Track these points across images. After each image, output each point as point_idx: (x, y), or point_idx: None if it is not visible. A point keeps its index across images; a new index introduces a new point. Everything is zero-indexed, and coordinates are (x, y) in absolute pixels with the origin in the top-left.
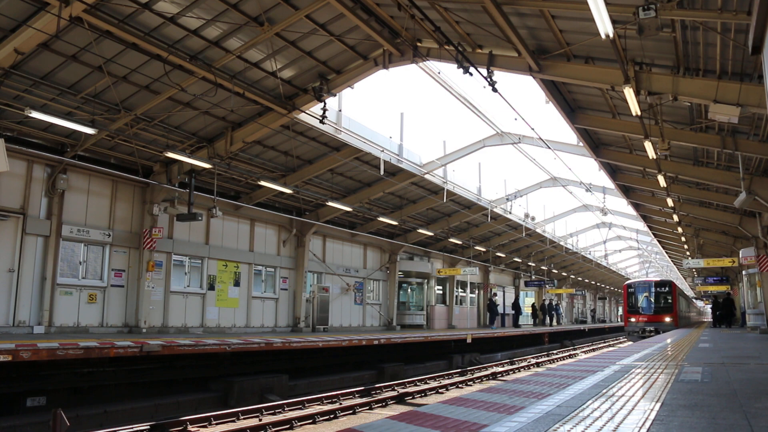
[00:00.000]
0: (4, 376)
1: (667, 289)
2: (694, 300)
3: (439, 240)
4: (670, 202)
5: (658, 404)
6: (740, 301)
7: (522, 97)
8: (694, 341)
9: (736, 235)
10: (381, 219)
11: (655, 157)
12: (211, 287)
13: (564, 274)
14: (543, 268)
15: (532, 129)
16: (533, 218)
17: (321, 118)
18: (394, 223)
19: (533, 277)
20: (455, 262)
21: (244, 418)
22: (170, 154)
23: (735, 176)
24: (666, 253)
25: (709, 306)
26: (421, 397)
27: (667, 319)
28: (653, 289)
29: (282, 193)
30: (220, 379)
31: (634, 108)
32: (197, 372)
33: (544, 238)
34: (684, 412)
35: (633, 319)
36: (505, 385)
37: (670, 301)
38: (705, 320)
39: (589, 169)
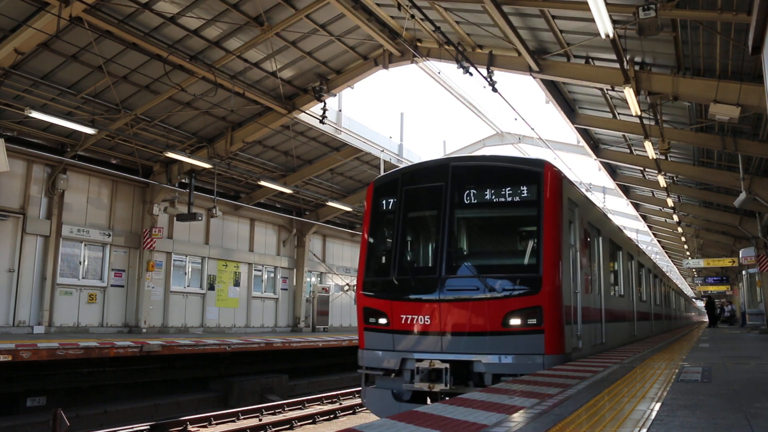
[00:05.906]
0: (4, 376)
1: (519, 188)
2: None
3: None
4: (670, 202)
5: (658, 404)
6: (739, 301)
7: (522, 97)
8: (693, 342)
9: (736, 235)
10: None
11: (655, 157)
12: (211, 287)
13: None
14: None
15: (532, 129)
16: None
17: (321, 118)
18: None
19: None
20: None
21: (244, 418)
22: (170, 154)
23: (735, 176)
24: (666, 253)
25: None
26: None
27: (514, 322)
28: (466, 193)
29: (282, 193)
30: (220, 379)
31: (634, 108)
32: (197, 372)
33: None
34: (684, 412)
35: (381, 320)
36: (504, 385)
37: (534, 242)
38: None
39: (589, 169)
